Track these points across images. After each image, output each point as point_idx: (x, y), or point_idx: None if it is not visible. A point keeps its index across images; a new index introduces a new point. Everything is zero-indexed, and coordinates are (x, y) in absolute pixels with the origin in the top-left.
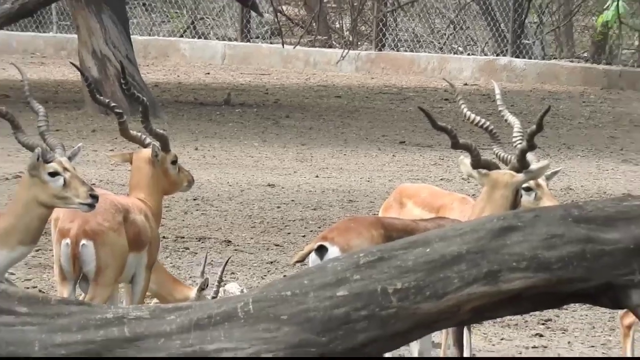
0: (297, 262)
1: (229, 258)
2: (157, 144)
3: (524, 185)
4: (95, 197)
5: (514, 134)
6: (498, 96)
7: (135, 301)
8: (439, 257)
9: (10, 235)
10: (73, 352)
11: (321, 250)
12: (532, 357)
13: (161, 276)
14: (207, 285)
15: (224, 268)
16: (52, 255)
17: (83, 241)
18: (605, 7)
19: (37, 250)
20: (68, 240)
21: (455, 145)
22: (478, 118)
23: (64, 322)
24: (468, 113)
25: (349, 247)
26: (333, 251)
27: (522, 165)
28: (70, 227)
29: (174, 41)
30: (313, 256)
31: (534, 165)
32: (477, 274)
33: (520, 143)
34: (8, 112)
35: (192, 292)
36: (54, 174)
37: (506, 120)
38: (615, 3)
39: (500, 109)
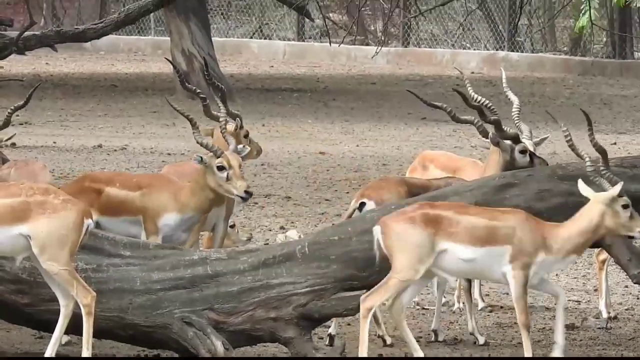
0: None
1: None
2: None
3: None
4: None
5: (513, 110)
6: (504, 80)
7: (215, 245)
8: None
9: None
10: (166, 286)
11: (361, 205)
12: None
13: None
14: None
15: None
16: None
17: None
18: (581, 12)
19: None
20: None
21: (489, 122)
22: (481, 98)
23: (160, 262)
24: (473, 94)
25: (382, 201)
26: (370, 205)
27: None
28: None
29: (245, 41)
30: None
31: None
32: None
33: (517, 117)
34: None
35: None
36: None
37: (508, 98)
38: (587, 11)
39: (505, 89)
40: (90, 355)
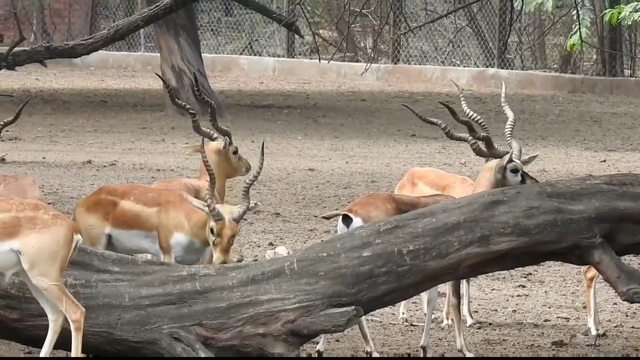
0: (327, 218)
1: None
2: (227, 138)
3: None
4: None
5: (507, 125)
6: (503, 94)
7: (204, 261)
8: (442, 225)
9: None
10: (155, 302)
11: (346, 220)
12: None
13: None
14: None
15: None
16: None
17: None
18: (572, 32)
19: None
20: None
21: (479, 139)
22: (472, 113)
23: (148, 278)
24: (467, 109)
25: (369, 217)
26: (357, 221)
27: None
28: None
29: (235, 58)
30: (340, 225)
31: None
32: (472, 238)
33: (509, 134)
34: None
35: None
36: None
37: (505, 113)
38: (578, 30)
39: (503, 103)
40: None
